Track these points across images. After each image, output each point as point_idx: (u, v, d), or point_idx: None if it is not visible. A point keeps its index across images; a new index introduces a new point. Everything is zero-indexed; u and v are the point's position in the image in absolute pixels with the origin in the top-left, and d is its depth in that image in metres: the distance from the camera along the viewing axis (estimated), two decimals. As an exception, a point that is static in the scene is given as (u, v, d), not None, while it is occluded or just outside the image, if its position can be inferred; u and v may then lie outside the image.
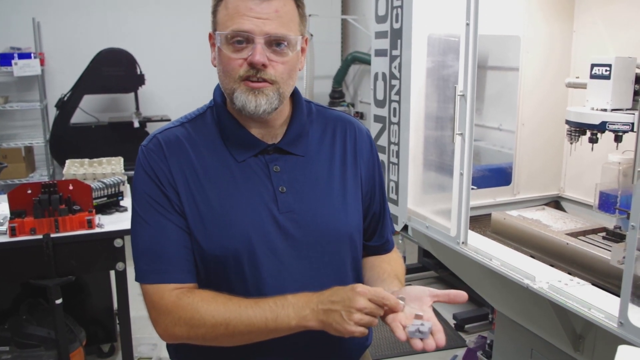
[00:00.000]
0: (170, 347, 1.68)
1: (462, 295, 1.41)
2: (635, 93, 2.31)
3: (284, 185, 1.55)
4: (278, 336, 1.44)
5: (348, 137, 1.69)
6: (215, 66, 1.55)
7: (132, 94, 6.98)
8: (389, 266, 1.72)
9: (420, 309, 1.39)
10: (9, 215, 3.10)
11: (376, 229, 1.77)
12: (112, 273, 3.36)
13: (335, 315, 1.36)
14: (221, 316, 1.42)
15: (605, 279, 2.22)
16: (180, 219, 1.50)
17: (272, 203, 1.53)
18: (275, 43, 1.45)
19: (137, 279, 1.52)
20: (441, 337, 1.33)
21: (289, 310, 1.40)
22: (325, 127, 1.68)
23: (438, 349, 1.31)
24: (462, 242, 2.48)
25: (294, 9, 1.49)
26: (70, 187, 3.17)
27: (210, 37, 1.53)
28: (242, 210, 1.51)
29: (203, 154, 1.54)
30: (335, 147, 1.66)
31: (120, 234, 3.19)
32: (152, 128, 6.78)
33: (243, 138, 1.56)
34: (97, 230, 3.19)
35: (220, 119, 1.58)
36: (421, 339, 1.33)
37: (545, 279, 2.13)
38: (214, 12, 1.49)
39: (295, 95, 1.64)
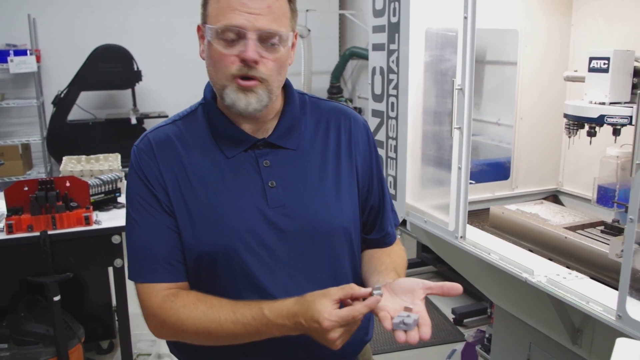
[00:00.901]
0: (169, 343, 1.69)
1: (456, 287, 1.38)
2: (634, 86, 2.31)
3: (274, 179, 1.54)
4: None
5: (342, 129, 1.67)
6: (203, 59, 1.54)
7: (129, 91, 6.97)
8: (388, 258, 1.69)
9: (411, 302, 1.37)
10: (5, 213, 3.10)
11: (375, 222, 1.74)
12: (110, 269, 3.35)
13: (315, 337, 1.36)
14: (202, 325, 1.44)
15: (604, 272, 2.22)
16: (170, 220, 1.51)
17: (261, 198, 1.52)
18: (267, 39, 1.43)
19: (129, 277, 1.55)
20: (426, 331, 1.30)
21: (270, 327, 1.40)
22: (319, 119, 1.66)
23: (422, 341, 1.29)
24: (461, 237, 2.48)
25: (286, 4, 1.47)
26: (67, 184, 3.17)
27: (199, 29, 1.52)
28: (231, 207, 1.51)
29: (193, 152, 1.54)
30: (329, 139, 1.64)
31: (118, 230, 3.18)
32: (149, 124, 6.79)
33: (233, 134, 1.55)
34: (94, 226, 3.18)
35: (210, 115, 1.58)
36: (405, 331, 1.30)
37: (544, 272, 2.13)
38: (204, 4, 1.47)
39: (287, 88, 1.63)
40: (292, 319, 1.37)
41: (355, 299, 1.36)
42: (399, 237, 4.18)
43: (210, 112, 1.58)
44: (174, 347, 1.68)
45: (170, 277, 1.51)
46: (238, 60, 1.42)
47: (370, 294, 1.36)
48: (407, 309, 1.35)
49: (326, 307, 1.32)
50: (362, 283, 1.66)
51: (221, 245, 1.49)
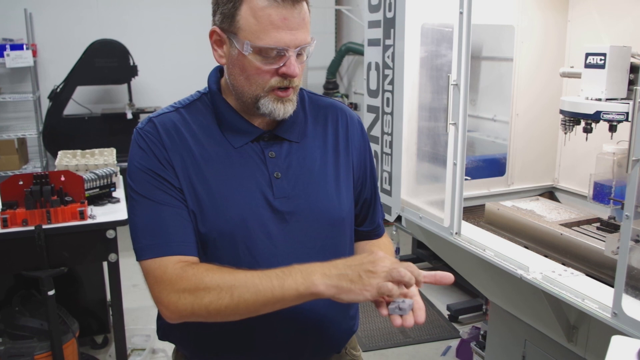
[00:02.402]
0: (160, 330, 1.68)
1: (448, 276, 1.42)
2: (630, 82, 2.30)
3: (279, 170, 1.57)
4: (285, 306, 1.39)
5: (340, 124, 1.71)
6: (222, 64, 1.55)
7: (125, 85, 6.95)
8: (379, 251, 1.72)
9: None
10: (0, 207, 3.08)
11: (367, 215, 1.80)
12: (105, 264, 3.35)
13: (352, 277, 1.33)
14: (226, 283, 1.38)
15: (599, 269, 2.21)
16: (179, 194, 1.50)
17: (267, 188, 1.54)
18: (302, 51, 1.47)
19: (138, 258, 1.49)
20: (421, 315, 1.35)
21: (296, 277, 1.36)
22: (317, 114, 1.70)
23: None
24: (456, 233, 2.47)
25: (308, 12, 1.48)
26: (62, 178, 3.16)
27: (212, 34, 1.50)
28: (238, 195, 1.52)
29: (199, 139, 1.54)
30: (328, 133, 1.68)
31: (113, 225, 3.18)
32: (145, 119, 6.78)
33: (240, 125, 1.57)
34: (89, 221, 3.18)
35: (216, 106, 1.59)
36: (401, 316, 1.34)
37: (539, 269, 2.12)
38: (232, 14, 1.44)
39: None
40: (329, 264, 1.37)
41: None
42: (395, 233, 4.16)
43: (217, 104, 1.59)
44: (164, 332, 1.67)
45: (185, 249, 1.48)
46: (276, 73, 1.46)
47: None
48: (401, 294, 1.37)
49: None
50: None
51: (228, 231, 1.50)
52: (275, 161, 1.57)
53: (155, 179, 1.50)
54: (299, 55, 1.47)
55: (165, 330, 1.67)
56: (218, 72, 1.62)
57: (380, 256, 1.35)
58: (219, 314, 1.41)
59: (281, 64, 1.44)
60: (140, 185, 1.51)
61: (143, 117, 6.73)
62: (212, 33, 1.50)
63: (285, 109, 1.50)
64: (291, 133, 1.62)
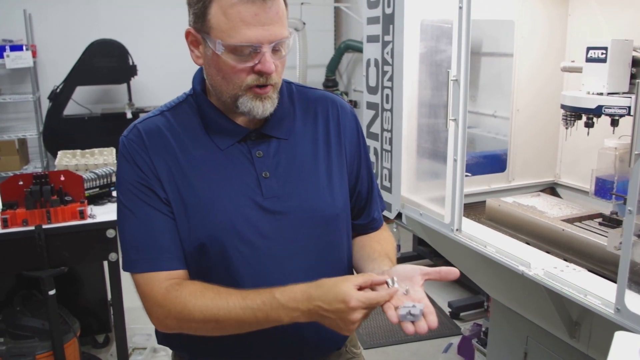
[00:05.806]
0: (159, 334, 1.67)
1: (453, 271, 1.42)
2: (632, 76, 2.28)
3: (267, 170, 1.54)
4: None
5: (331, 116, 1.68)
6: (199, 65, 1.54)
7: (124, 85, 6.97)
8: (379, 245, 1.72)
9: (411, 289, 1.39)
10: (0, 207, 3.08)
11: (363, 208, 1.77)
12: (105, 264, 3.35)
13: (331, 322, 1.36)
14: (210, 312, 1.42)
15: (602, 265, 2.20)
16: (165, 207, 1.50)
17: (255, 189, 1.52)
18: (278, 47, 1.44)
19: (125, 269, 1.52)
20: (433, 319, 1.32)
21: (279, 311, 1.38)
22: (307, 108, 1.67)
23: (430, 331, 1.31)
24: (457, 229, 2.46)
25: (283, 4, 1.46)
26: (62, 178, 3.15)
27: (189, 34, 1.49)
28: (226, 198, 1.50)
29: (185, 143, 1.53)
30: (318, 127, 1.66)
31: (113, 224, 3.17)
32: (145, 119, 6.80)
33: (225, 126, 1.55)
34: (89, 221, 3.18)
35: (201, 107, 1.57)
36: (412, 322, 1.32)
37: (541, 265, 2.11)
38: (203, 13, 1.41)
39: None
40: (308, 303, 1.37)
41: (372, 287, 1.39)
42: (395, 230, 4.15)
43: (201, 105, 1.57)
44: (163, 337, 1.67)
45: (171, 265, 1.49)
46: (252, 71, 1.43)
47: (386, 283, 1.40)
48: (406, 292, 1.38)
49: (351, 289, 1.34)
50: (353, 271, 1.72)
51: (218, 236, 1.49)
52: (263, 160, 1.55)
53: (141, 191, 1.50)
54: (276, 51, 1.44)
55: (162, 335, 1.67)
56: (202, 72, 1.59)
57: (352, 305, 1.32)
58: (207, 334, 1.49)
59: (256, 61, 1.41)
60: (127, 199, 1.52)
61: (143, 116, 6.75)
62: (187, 34, 1.49)
63: (264, 106, 1.47)
64: (279, 130, 1.59)
